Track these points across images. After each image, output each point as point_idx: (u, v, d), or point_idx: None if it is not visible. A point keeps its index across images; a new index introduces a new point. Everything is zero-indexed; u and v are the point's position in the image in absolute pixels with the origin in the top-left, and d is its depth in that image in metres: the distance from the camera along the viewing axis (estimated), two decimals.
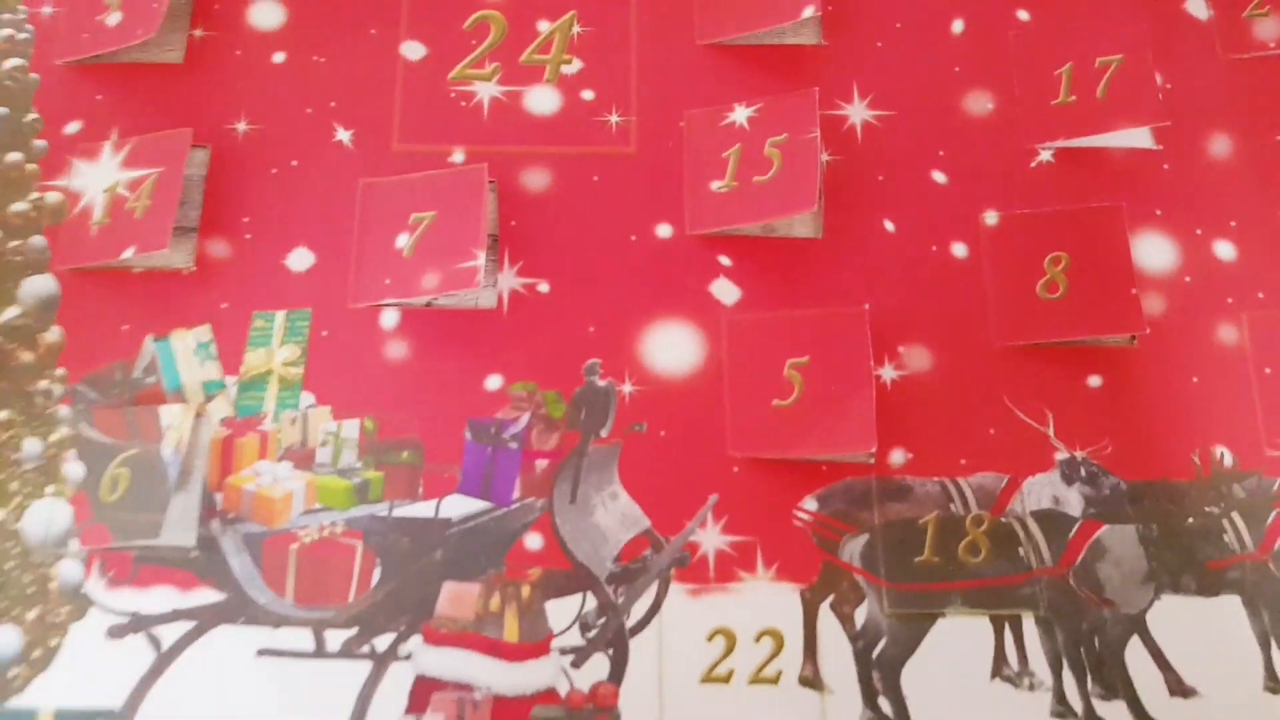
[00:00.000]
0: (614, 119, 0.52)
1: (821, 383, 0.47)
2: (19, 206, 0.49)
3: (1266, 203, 0.51)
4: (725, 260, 0.50)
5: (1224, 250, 0.50)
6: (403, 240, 0.49)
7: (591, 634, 0.42)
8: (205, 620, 0.43)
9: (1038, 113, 0.52)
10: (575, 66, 0.53)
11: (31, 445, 0.45)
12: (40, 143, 0.51)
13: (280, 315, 0.48)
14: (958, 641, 0.43)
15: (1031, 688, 0.42)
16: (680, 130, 0.52)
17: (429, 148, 0.51)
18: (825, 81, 0.52)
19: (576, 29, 0.53)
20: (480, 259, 0.47)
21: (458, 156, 0.51)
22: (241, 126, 0.51)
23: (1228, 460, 0.46)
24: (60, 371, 0.47)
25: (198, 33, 0.53)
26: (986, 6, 0.54)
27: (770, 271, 0.49)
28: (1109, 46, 0.52)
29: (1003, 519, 0.45)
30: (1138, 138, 0.52)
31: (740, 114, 0.51)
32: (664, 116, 0.52)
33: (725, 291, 0.49)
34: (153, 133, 0.51)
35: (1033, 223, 0.50)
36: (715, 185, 0.50)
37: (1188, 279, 0.49)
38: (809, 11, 0.51)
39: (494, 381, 0.47)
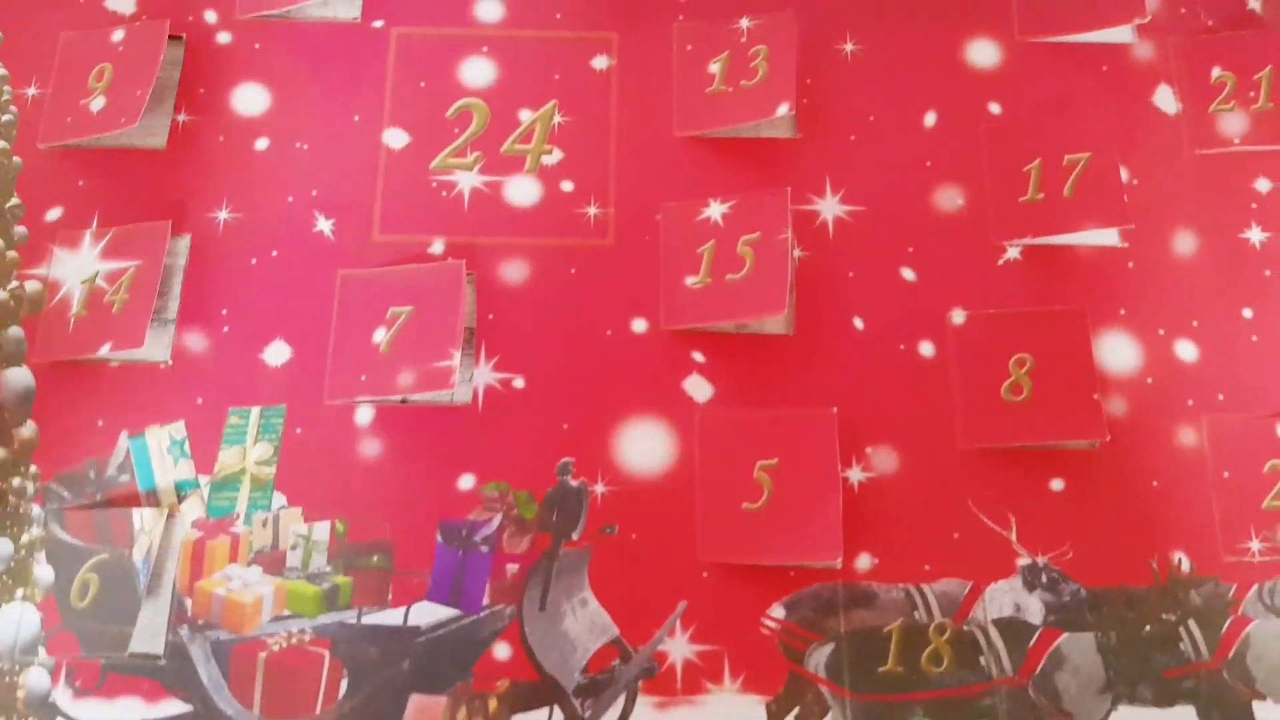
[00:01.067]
0: (592, 210, 0.53)
1: (790, 486, 0.48)
2: None
3: (1229, 302, 0.52)
4: (699, 356, 0.50)
5: (1185, 351, 0.51)
6: (380, 335, 0.49)
7: None
8: None
9: (1006, 209, 0.53)
10: (555, 157, 0.54)
11: (3, 546, 0.45)
12: (21, 229, 0.52)
13: (255, 411, 0.49)
14: None
15: None
16: (657, 223, 0.52)
17: (409, 238, 0.52)
18: (799, 175, 0.53)
19: (558, 119, 0.54)
20: (455, 359, 0.48)
21: (438, 247, 0.52)
22: (223, 215, 0.52)
23: (1185, 566, 0.47)
24: (34, 469, 0.47)
25: (181, 117, 0.54)
26: (959, 98, 0.55)
27: (743, 368, 0.50)
28: (1077, 143, 0.53)
29: (965, 627, 0.46)
30: (1104, 236, 0.53)
31: (715, 210, 0.52)
32: (641, 209, 0.53)
33: (698, 388, 0.50)
34: (133, 223, 0.51)
35: (999, 323, 0.51)
36: (690, 281, 0.51)
37: (1149, 380, 0.51)
38: (783, 109, 0.52)
39: (467, 481, 0.48)
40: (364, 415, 0.49)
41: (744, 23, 0.55)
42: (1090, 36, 0.56)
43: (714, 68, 0.54)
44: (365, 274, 0.51)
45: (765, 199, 0.52)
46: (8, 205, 0.52)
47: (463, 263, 0.50)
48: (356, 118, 0.54)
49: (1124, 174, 0.54)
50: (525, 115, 0.54)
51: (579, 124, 0.54)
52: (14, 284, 0.50)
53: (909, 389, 0.50)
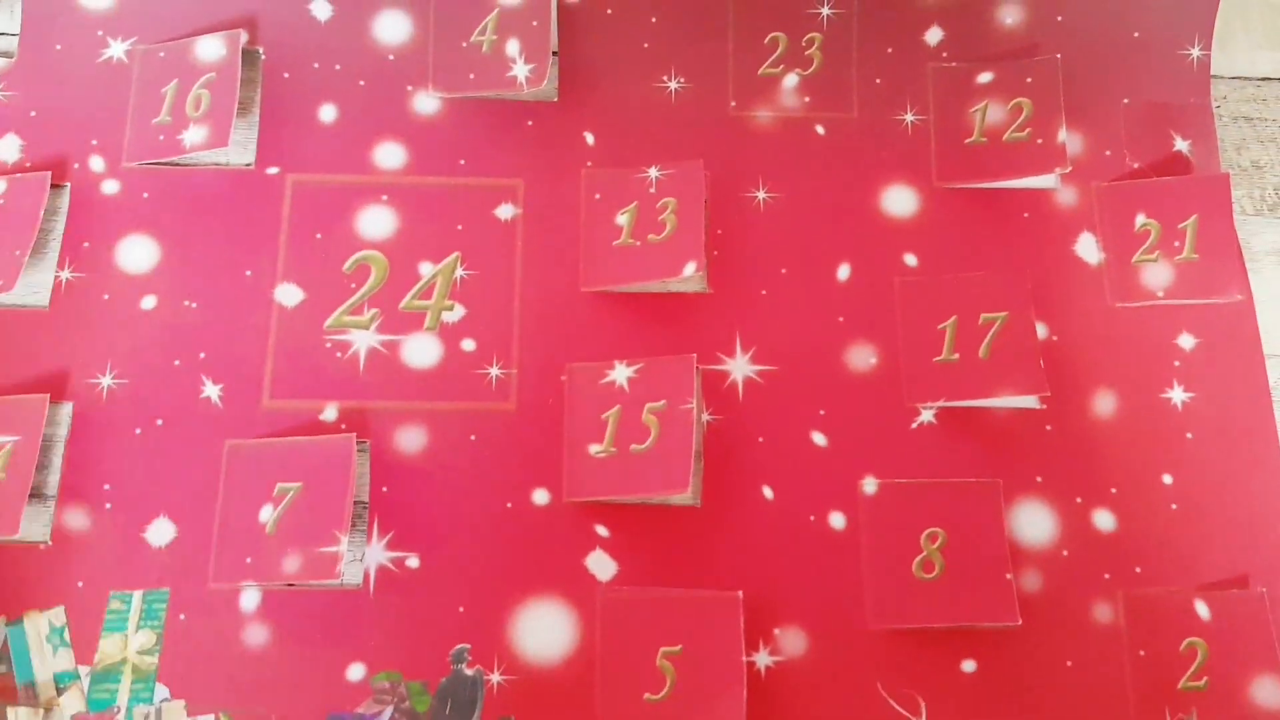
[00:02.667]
0: (494, 372, 0.51)
1: (694, 676, 0.46)
2: None
3: (1148, 467, 0.50)
4: (602, 530, 0.49)
5: (1103, 520, 0.50)
6: (266, 514, 0.47)
7: None
8: None
9: (920, 369, 0.51)
10: (457, 313, 0.52)
11: None
12: None
13: (137, 596, 0.47)
14: None
15: None
16: (561, 385, 0.51)
17: (300, 403, 0.50)
18: (708, 332, 0.52)
19: (460, 272, 0.52)
20: (342, 545, 0.46)
21: (330, 413, 0.50)
22: (107, 380, 0.50)
23: None
24: None
25: (65, 274, 0.51)
26: (874, 249, 0.53)
27: (648, 542, 0.49)
28: (994, 300, 0.52)
29: None
30: (1021, 399, 0.51)
31: (621, 373, 0.50)
32: (545, 369, 0.51)
33: (601, 565, 0.48)
34: (11, 395, 0.49)
35: (911, 494, 0.49)
36: (594, 449, 0.49)
37: (1065, 553, 0.49)
38: (690, 269, 0.51)
39: (356, 671, 0.46)
40: (250, 599, 0.47)
41: (653, 172, 0.53)
42: (1011, 183, 0.54)
43: (622, 219, 0.53)
44: (253, 445, 0.49)
45: (671, 365, 0.50)
46: None
47: (352, 437, 0.48)
48: (248, 272, 0.52)
49: (1043, 330, 0.52)
50: (426, 268, 0.52)
51: (482, 277, 0.52)
52: None
53: (819, 564, 0.49)
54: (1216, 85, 0.58)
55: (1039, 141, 0.54)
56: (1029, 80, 0.55)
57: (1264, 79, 0.59)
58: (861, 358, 0.52)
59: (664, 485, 0.48)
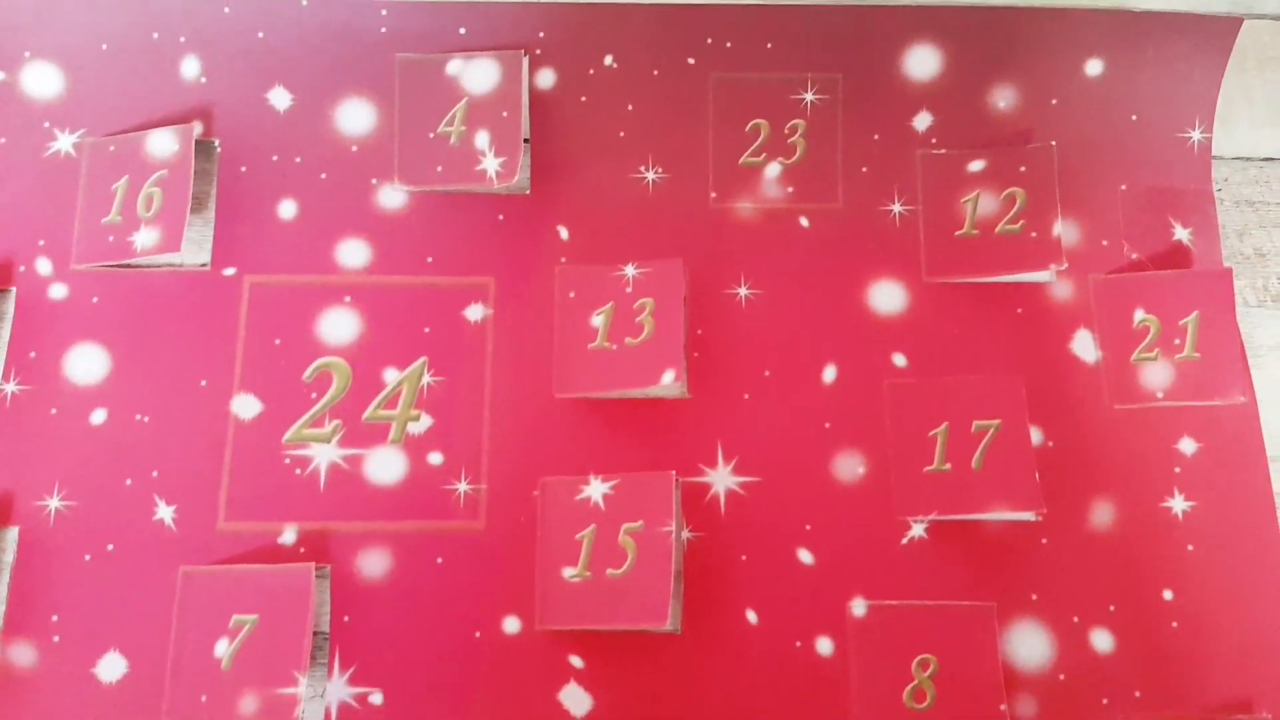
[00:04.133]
0: (463, 488, 0.48)
1: None
2: None
3: (1148, 582, 0.48)
4: (577, 661, 0.46)
5: (1101, 640, 0.47)
6: (222, 648, 0.45)
7: None
8: None
9: (910, 481, 0.49)
10: (424, 424, 0.49)
11: None
12: None
13: None
14: None
15: None
16: (533, 502, 0.48)
17: (258, 526, 0.47)
18: (688, 441, 0.49)
19: (427, 379, 0.50)
20: (301, 686, 0.44)
21: (289, 536, 0.47)
22: (54, 503, 0.47)
23: None
24: None
25: (10, 387, 0.49)
26: (861, 349, 0.51)
27: (625, 674, 0.46)
28: (987, 407, 0.50)
29: None
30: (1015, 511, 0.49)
31: (596, 488, 0.48)
32: (517, 484, 0.48)
33: (576, 700, 0.46)
34: None
35: (902, 617, 0.47)
36: (568, 573, 0.47)
37: (1062, 676, 0.47)
38: (668, 378, 0.48)
39: None
40: None
41: (630, 269, 0.51)
42: (1008, 277, 0.52)
43: (597, 320, 0.50)
44: (208, 572, 0.46)
45: (649, 482, 0.48)
46: None
47: (310, 568, 0.46)
48: (204, 382, 0.49)
49: (1038, 435, 0.50)
50: (391, 375, 0.50)
51: (451, 385, 0.50)
52: None
53: (806, 694, 0.46)
54: (1218, 167, 0.56)
55: (1033, 235, 0.51)
56: (1022, 169, 0.52)
57: (1267, 159, 0.56)
58: (849, 467, 0.50)
59: (641, 617, 0.45)
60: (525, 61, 0.53)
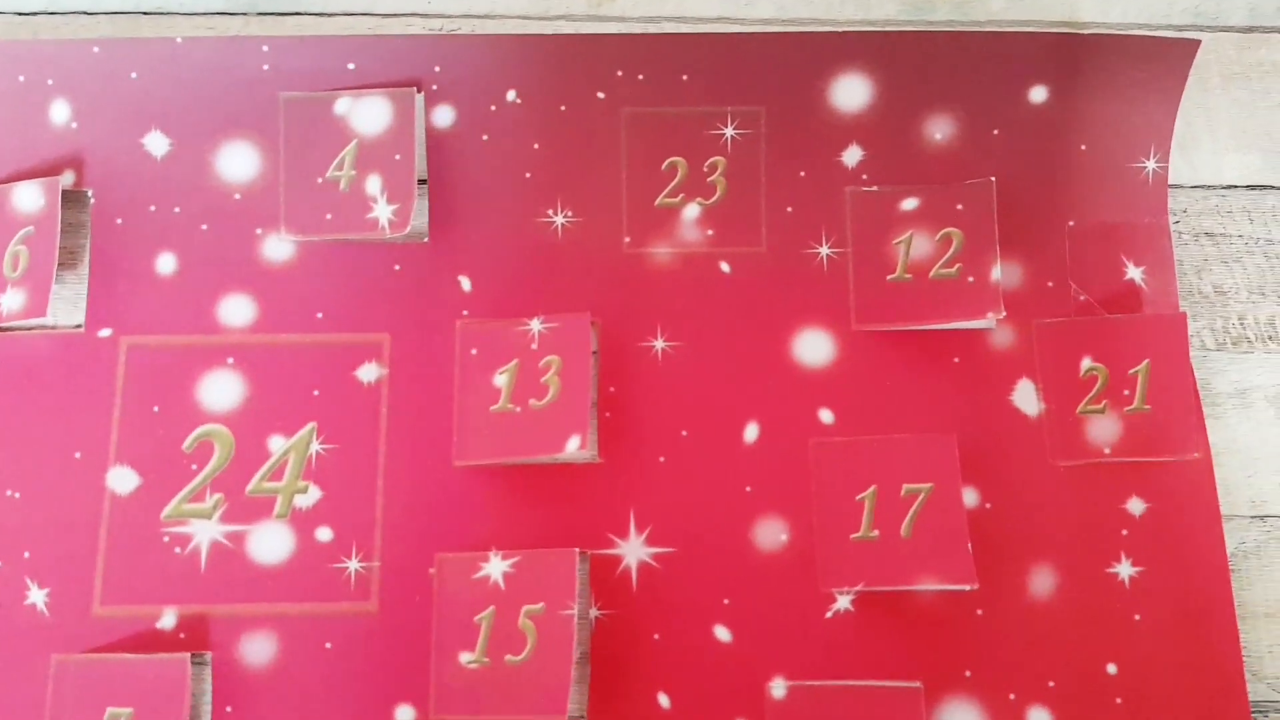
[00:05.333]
0: (354, 566, 0.45)
1: None
2: None
3: (1090, 655, 0.45)
4: None
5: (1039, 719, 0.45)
6: None
7: None
8: None
9: (836, 549, 0.45)
10: (312, 497, 0.46)
11: None
12: None
13: None
14: None
15: None
16: (429, 580, 0.45)
17: (136, 610, 0.44)
18: (598, 511, 0.46)
19: (316, 447, 0.46)
20: None
21: (168, 620, 0.44)
22: None
23: None
24: None
25: None
26: (785, 405, 0.47)
27: None
28: (918, 469, 0.46)
29: None
30: None
31: (496, 566, 0.44)
32: (412, 561, 0.45)
33: None
34: None
35: (824, 698, 0.44)
36: (465, 659, 0.44)
37: None
38: (573, 445, 0.45)
39: None
40: None
41: (535, 325, 0.47)
42: (943, 325, 0.48)
43: (500, 380, 0.47)
44: (82, 661, 0.43)
45: (551, 560, 0.44)
46: None
47: (186, 659, 0.43)
48: (78, 454, 0.46)
49: (974, 497, 0.46)
50: (277, 444, 0.46)
51: (341, 453, 0.46)
52: None
53: None
54: (1176, 197, 0.52)
55: (970, 280, 0.48)
56: (959, 207, 0.48)
57: (1229, 187, 0.52)
58: (771, 534, 0.46)
59: (540, 708, 0.42)
60: (420, 99, 0.49)
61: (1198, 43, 0.49)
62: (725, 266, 0.49)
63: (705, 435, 0.47)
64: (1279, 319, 0.50)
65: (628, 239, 0.49)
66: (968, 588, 0.44)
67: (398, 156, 0.48)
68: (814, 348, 0.48)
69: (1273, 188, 0.52)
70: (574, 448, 0.45)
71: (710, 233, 0.49)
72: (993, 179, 0.48)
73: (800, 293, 0.49)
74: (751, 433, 0.47)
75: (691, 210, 0.49)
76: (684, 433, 0.47)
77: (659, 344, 0.48)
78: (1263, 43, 0.54)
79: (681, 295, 0.48)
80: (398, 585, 0.45)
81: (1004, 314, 0.47)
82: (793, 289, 0.49)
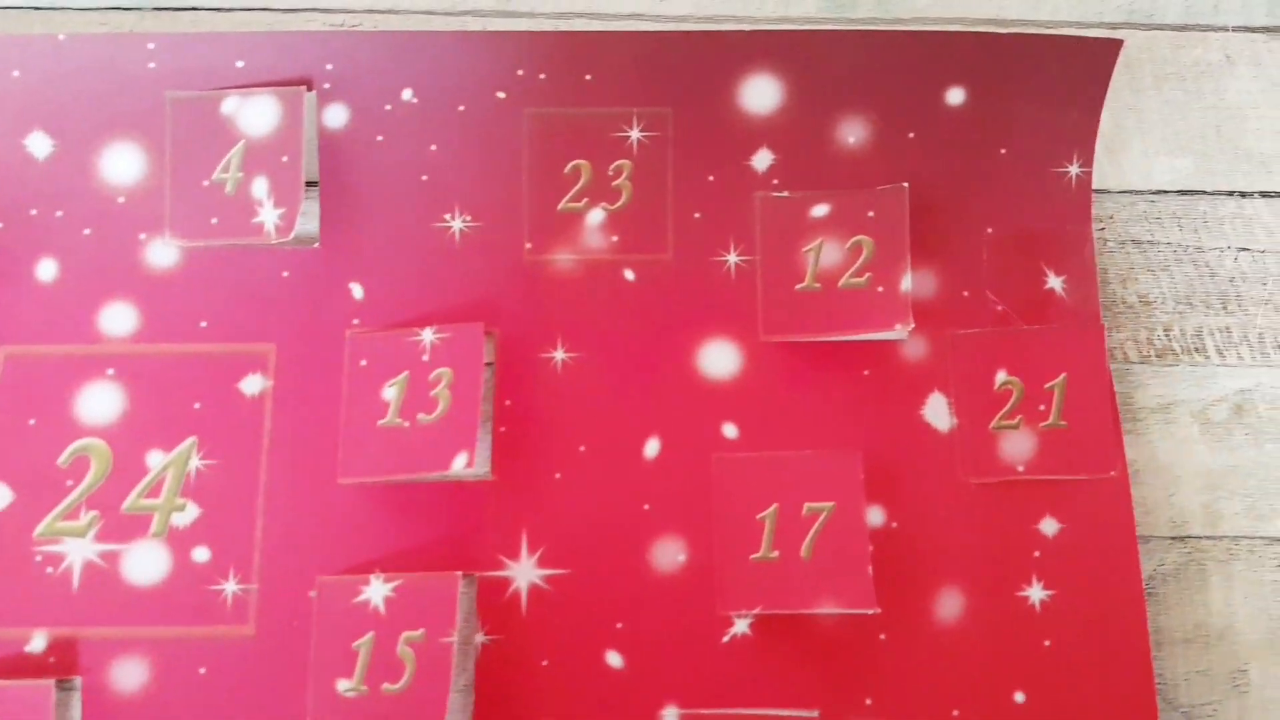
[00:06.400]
0: (231, 588, 0.43)
1: None
2: None
3: (998, 682, 0.43)
4: None
5: None
6: None
7: None
8: None
9: (735, 570, 0.44)
10: (190, 515, 0.44)
11: None
12: None
13: None
14: None
15: None
16: (309, 604, 0.43)
17: (4, 632, 0.42)
18: (488, 530, 0.44)
19: (195, 462, 0.44)
20: None
21: (38, 643, 0.42)
22: None
23: None
24: None
25: None
26: (688, 419, 0.45)
27: None
28: (820, 487, 0.44)
29: None
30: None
31: (377, 590, 0.43)
32: (292, 583, 0.43)
33: None
34: None
35: None
36: (343, 686, 0.42)
37: None
38: (460, 463, 0.43)
39: None
40: None
41: (427, 335, 0.45)
42: (851, 336, 0.46)
43: (389, 393, 0.45)
44: None
45: (432, 584, 0.42)
46: None
47: (50, 684, 0.41)
48: None
49: (879, 516, 0.45)
50: (155, 459, 0.44)
51: (222, 469, 0.44)
52: None
53: None
54: (1103, 202, 0.50)
55: (879, 290, 0.46)
56: (871, 214, 0.47)
57: (1158, 192, 0.50)
58: (669, 555, 0.44)
59: None
60: (311, 98, 0.47)
61: (1120, 42, 0.47)
62: (630, 274, 0.47)
63: (604, 450, 0.45)
64: (1206, 331, 0.49)
65: (528, 245, 0.47)
66: (867, 612, 0.43)
67: (285, 158, 0.46)
68: (719, 359, 0.46)
69: (1204, 193, 0.50)
70: (461, 466, 0.43)
71: (615, 239, 0.47)
72: (905, 185, 0.46)
73: (707, 302, 0.47)
74: (652, 448, 0.45)
75: (595, 215, 0.47)
76: (582, 448, 0.45)
77: (559, 355, 0.46)
78: (1199, 41, 0.52)
79: (584, 304, 0.47)
80: (276, 609, 0.43)
81: (912, 325, 0.45)
82: (699, 298, 0.47)
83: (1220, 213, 0.50)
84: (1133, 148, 0.51)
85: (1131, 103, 0.51)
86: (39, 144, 0.47)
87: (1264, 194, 0.50)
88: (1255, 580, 0.46)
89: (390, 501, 0.44)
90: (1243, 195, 0.50)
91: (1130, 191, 0.50)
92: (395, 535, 0.44)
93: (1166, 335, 0.49)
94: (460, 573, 0.42)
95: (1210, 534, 0.46)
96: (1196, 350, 0.49)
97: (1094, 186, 0.49)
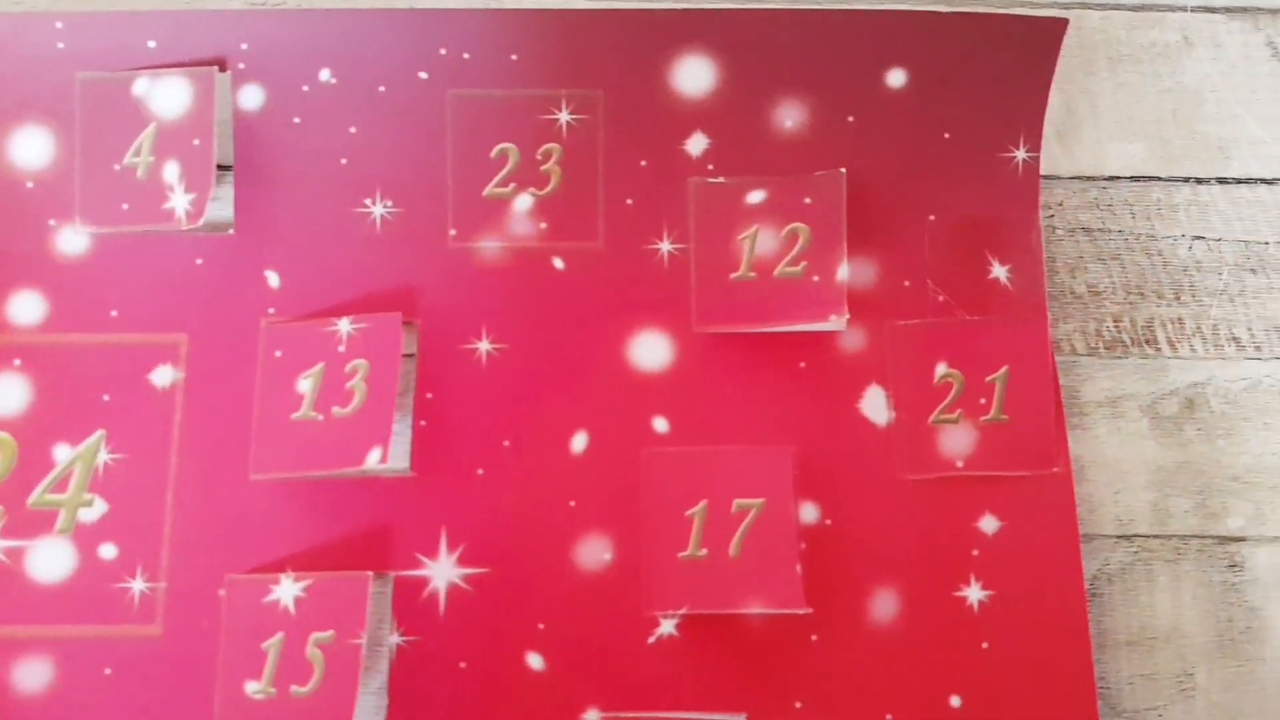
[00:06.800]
0: (138, 586, 0.42)
1: None
2: None
3: (933, 686, 0.42)
4: None
5: None
6: None
7: None
8: None
9: (662, 569, 0.42)
10: (97, 510, 0.42)
11: None
12: None
13: None
14: None
15: None
16: (219, 602, 0.42)
17: None
18: (407, 528, 0.42)
19: (104, 456, 0.43)
20: None
21: None
22: None
23: None
24: None
25: None
26: (618, 413, 0.44)
27: None
28: (750, 483, 0.43)
29: None
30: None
31: (287, 589, 0.41)
32: (201, 581, 0.42)
33: None
34: None
35: None
36: (251, 688, 0.40)
37: None
38: (374, 458, 0.41)
39: None
40: None
41: (344, 325, 0.44)
42: (785, 328, 0.45)
43: (304, 385, 0.43)
44: None
45: (343, 585, 0.41)
46: None
47: None
48: None
49: (813, 512, 0.43)
50: (62, 453, 0.43)
51: (131, 464, 0.43)
52: None
53: None
54: (1052, 188, 0.48)
55: (815, 279, 0.44)
56: (807, 200, 0.45)
57: (1111, 178, 0.49)
58: (594, 553, 0.43)
59: None
60: (225, 79, 0.45)
61: (1066, 21, 0.46)
62: (558, 263, 0.45)
63: (529, 445, 0.44)
64: (1158, 322, 0.47)
65: (453, 232, 0.45)
66: (796, 612, 0.41)
67: (196, 141, 0.44)
68: (651, 351, 0.45)
69: (1159, 179, 0.49)
70: (375, 461, 0.41)
71: (543, 226, 0.45)
72: (842, 170, 0.45)
73: (638, 291, 0.45)
74: (579, 443, 0.44)
75: (523, 201, 0.46)
76: (506, 443, 0.44)
77: (484, 346, 0.44)
78: (1156, 22, 0.50)
79: (510, 294, 0.45)
80: (184, 608, 0.42)
81: (847, 316, 0.43)
82: (630, 287, 0.45)
83: (1175, 200, 0.48)
84: (1085, 132, 0.49)
85: (1084, 86, 0.49)
86: None
87: (1221, 180, 0.49)
88: (1204, 581, 0.45)
89: (305, 498, 0.43)
90: (1199, 182, 0.49)
91: (1081, 178, 0.49)
92: (309, 533, 0.42)
93: (1116, 326, 0.47)
94: (371, 573, 0.41)
95: (1158, 533, 0.45)
96: (1147, 342, 0.47)
97: (1044, 172, 0.47)
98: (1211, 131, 0.49)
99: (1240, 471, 0.46)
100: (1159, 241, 0.48)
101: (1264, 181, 0.49)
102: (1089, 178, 0.49)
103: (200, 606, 0.42)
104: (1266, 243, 0.48)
